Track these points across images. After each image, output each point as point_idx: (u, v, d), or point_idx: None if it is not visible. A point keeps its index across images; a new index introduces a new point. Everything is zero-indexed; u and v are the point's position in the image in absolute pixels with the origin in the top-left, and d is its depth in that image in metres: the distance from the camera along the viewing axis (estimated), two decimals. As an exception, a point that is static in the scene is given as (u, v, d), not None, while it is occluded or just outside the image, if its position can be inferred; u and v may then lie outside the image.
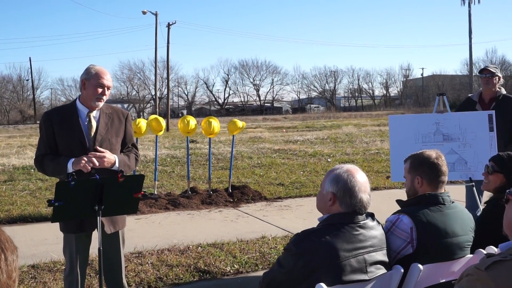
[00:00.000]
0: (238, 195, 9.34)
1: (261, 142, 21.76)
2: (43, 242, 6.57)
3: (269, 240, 6.45)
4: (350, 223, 2.59)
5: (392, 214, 2.97)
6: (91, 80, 3.69)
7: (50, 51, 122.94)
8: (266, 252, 5.89)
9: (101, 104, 3.74)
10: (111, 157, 3.68)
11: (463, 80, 72.36)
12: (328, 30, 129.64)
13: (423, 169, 3.05)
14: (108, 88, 3.73)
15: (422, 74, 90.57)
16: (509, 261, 1.81)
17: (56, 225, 3.80)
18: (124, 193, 3.47)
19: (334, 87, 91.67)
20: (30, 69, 72.48)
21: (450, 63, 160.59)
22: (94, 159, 3.60)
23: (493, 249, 2.87)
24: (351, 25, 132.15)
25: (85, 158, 3.58)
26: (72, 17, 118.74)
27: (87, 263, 4.02)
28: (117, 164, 3.72)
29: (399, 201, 3.15)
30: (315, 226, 2.69)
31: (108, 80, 3.72)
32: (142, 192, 3.59)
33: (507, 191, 2.11)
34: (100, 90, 3.68)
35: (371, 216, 2.72)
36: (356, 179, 2.65)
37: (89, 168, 3.58)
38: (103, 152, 3.66)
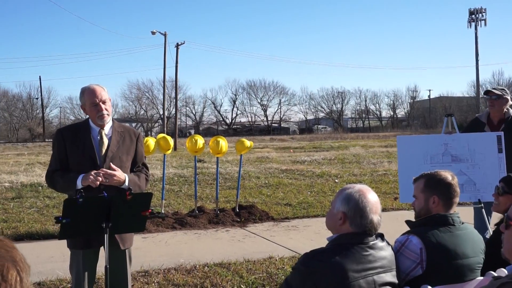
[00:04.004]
0: (245, 214, 9.31)
1: (268, 162, 21.74)
2: (49, 259, 6.56)
3: (276, 260, 6.41)
4: (360, 244, 2.57)
5: (402, 235, 2.95)
6: (86, 104, 3.77)
7: (60, 70, 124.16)
8: (273, 273, 5.84)
9: (106, 119, 3.77)
10: (121, 176, 3.69)
11: (470, 102, 72.25)
12: (336, 52, 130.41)
13: (440, 189, 3.02)
14: (104, 102, 3.75)
15: (429, 96, 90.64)
16: None
17: (63, 242, 3.79)
18: (132, 211, 3.46)
19: (341, 108, 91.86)
20: (40, 88, 73.18)
21: (457, 85, 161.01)
22: (102, 174, 3.60)
23: (503, 272, 2.83)
24: (358, 47, 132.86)
25: (93, 173, 3.59)
26: (82, 36, 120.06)
27: (94, 281, 4.00)
28: (126, 183, 3.73)
29: (408, 222, 3.13)
30: (324, 246, 2.67)
31: (100, 95, 3.74)
32: (150, 210, 3.59)
33: (506, 215, 2.09)
34: (96, 109, 3.72)
35: (381, 236, 2.70)
36: (367, 199, 2.63)
37: (98, 183, 3.58)
38: (114, 169, 3.67)
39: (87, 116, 3.87)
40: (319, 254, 2.54)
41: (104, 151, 3.76)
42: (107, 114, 3.77)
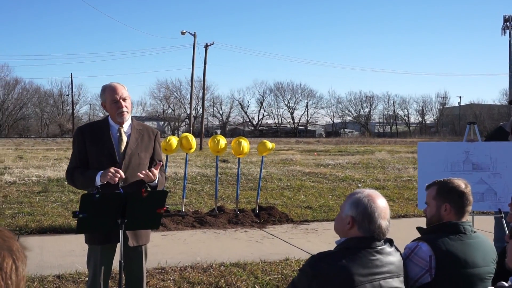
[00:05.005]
0: (264, 216, 9.34)
1: (292, 165, 21.70)
2: (70, 253, 6.69)
3: (292, 262, 6.42)
4: (367, 248, 2.57)
5: (412, 241, 2.94)
6: (106, 101, 3.85)
7: (91, 67, 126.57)
8: (288, 275, 5.86)
9: (126, 116, 3.84)
10: (156, 177, 3.78)
11: (502, 110, 71.04)
12: (365, 56, 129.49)
13: (453, 197, 3.00)
14: (124, 99, 3.82)
15: (459, 103, 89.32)
16: None
17: (84, 237, 3.87)
18: (147, 208, 3.53)
19: (369, 112, 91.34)
20: (71, 85, 74.48)
21: (489, 92, 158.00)
22: (120, 171, 3.67)
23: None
24: (388, 51, 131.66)
25: (112, 170, 3.65)
26: (113, 35, 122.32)
27: (110, 275, 4.07)
28: (156, 182, 3.80)
29: (419, 229, 3.11)
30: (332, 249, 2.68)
31: (120, 93, 3.82)
32: (165, 208, 3.64)
33: (511, 225, 2.08)
34: (116, 105, 3.80)
35: (390, 242, 2.70)
36: (376, 204, 2.63)
37: (116, 180, 3.65)
38: (154, 173, 3.75)
39: (107, 114, 3.96)
40: (326, 257, 2.55)
41: (123, 148, 3.83)
42: (127, 112, 3.85)
